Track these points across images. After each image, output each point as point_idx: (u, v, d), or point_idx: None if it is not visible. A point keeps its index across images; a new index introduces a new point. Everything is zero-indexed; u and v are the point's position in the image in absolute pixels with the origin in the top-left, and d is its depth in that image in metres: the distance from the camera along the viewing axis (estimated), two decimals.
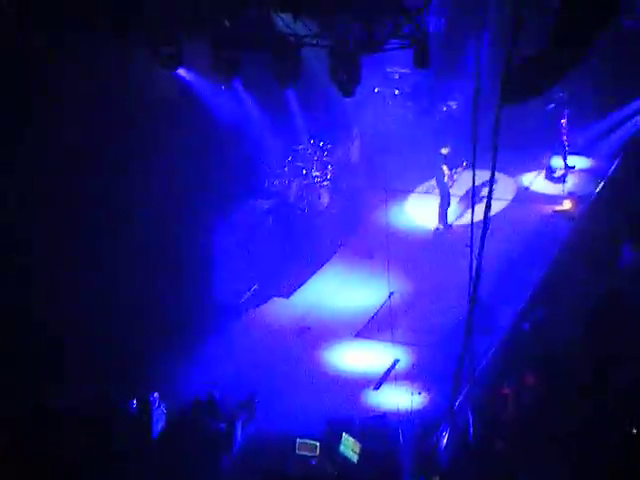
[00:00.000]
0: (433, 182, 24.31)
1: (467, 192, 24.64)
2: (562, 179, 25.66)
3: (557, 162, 26.20)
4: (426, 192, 25.46)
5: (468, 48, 25.41)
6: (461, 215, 23.84)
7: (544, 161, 26.45)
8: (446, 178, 23.76)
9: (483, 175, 24.78)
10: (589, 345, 18.37)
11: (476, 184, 24.39)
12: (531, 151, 26.61)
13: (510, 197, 24.67)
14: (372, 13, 14.75)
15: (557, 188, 25.29)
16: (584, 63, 12.51)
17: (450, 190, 23.98)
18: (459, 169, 24.02)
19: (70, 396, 16.53)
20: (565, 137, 26.20)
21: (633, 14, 27.01)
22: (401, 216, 24.38)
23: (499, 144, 13.14)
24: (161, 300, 19.10)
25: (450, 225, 23.89)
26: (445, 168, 23.73)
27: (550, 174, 26.09)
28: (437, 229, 23.92)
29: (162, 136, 19.23)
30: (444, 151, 23.90)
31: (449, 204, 23.92)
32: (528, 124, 26.69)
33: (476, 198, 24.14)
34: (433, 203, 24.48)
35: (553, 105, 26.27)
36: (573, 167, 26.12)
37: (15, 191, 16.93)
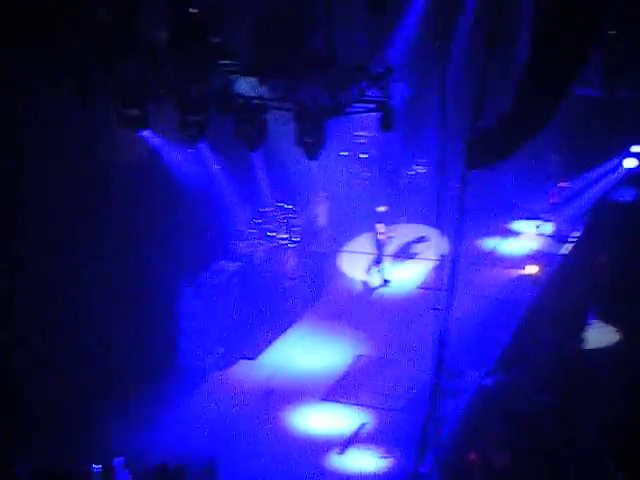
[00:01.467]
0: (363, 238, 24.61)
1: (400, 249, 25.40)
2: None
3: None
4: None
5: (434, 114, 25.69)
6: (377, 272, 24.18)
7: (509, 226, 26.83)
8: (380, 235, 24.11)
9: (418, 230, 25.60)
10: (557, 408, 18.41)
11: (410, 239, 25.38)
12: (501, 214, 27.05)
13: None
14: (337, 78, 14.92)
15: (521, 251, 25.54)
16: (545, 128, 12.66)
17: (385, 248, 24.41)
18: (396, 226, 24.52)
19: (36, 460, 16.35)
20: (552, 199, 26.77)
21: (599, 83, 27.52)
22: (368, 279, 24.45)
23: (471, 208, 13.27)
24: (126, 363, 18.97)
25: (387, 281, 24.20)
26: (380, 226, 24.16)
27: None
28: (366, 283, 24.19)
29: (128, 198, 19.23)
30: (380, 209, 24.47)
31: (380, 261, 24.30)
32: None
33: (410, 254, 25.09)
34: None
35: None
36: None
37: None
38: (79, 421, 17.64)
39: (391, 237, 24.55)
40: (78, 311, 18.49)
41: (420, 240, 25.79)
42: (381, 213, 24.45)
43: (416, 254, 25.53)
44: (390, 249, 24.94)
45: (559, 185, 26.84)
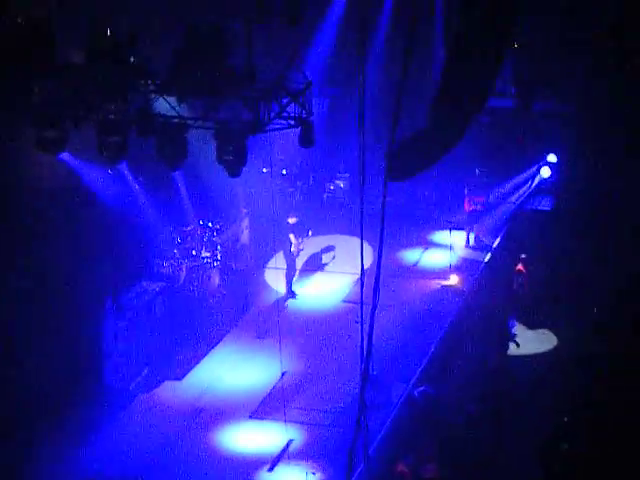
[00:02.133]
0: (280, 253, 24.70)
1: (307, 261, 25.66)
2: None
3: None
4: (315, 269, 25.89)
5: (352, 127, 25.87)
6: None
7: (428, 237, 27.09)
8: (293, 247, 24.42)
9: (324, 241, 25.28)
10: (483, 418, 18.57)
11: (317, 250, 25.59)
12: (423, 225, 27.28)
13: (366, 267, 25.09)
14: (257, 95, 14.94)
15: (443, 263, 25.74)
16: (461, 141, 12.78)
17: (296, 259, 24.71)
18: (305, 239, 24.89)
19: None
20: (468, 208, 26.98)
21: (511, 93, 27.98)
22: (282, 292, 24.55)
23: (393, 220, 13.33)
24: (50, 385, 18.72)
25: (295, 294, 24.40)
26: (292, 237, 24.42)
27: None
28: (286, 299, 24.35)
29: (47, 221, 19.03)
30: (291, 220, 24.73)
31: (294, 273, 24.60)
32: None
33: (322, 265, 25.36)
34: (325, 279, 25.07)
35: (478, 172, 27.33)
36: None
37: None
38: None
39: (301, 249, 24.75)
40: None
41: (327, 250, 26.09)
42: (292, 225, 24.63)
43: (325, 265, 25.79)
44: (300, 261, 25.16)
45: (475, 198, 27.08)
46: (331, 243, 26.45)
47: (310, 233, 25.19)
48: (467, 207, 27.26)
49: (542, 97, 27.82)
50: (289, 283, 24.50)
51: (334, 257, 26.04)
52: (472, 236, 26.79)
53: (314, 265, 25.87)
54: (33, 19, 14.62)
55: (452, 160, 13.77)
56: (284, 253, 24.48)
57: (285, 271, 24.51)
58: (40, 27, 14.68)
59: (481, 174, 27.50)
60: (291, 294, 24.37)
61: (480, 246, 26.52)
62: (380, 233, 12.63)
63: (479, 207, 27.22)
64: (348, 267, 24.71)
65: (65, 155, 18.18)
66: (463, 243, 26.65)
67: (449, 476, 17.07)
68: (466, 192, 27.31)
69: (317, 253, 26.17)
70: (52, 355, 18.98)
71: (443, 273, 25.05)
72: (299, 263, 25.07)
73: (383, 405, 19.02)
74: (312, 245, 26.01)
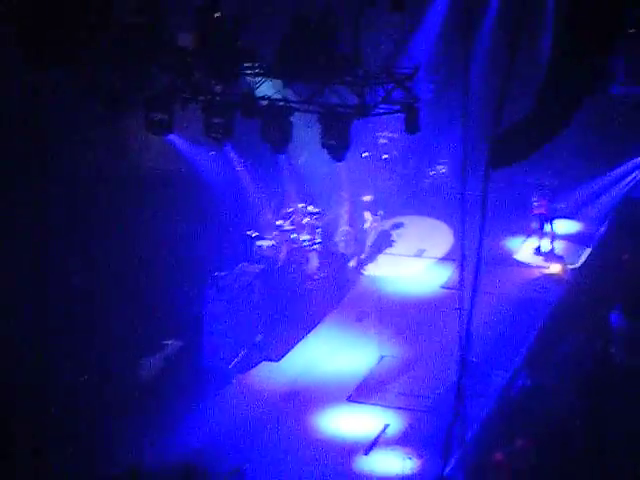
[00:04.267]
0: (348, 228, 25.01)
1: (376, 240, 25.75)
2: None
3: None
4: (415, 255, 25.80)
5: (456, 113, 25.72)
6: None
7: (532, 225, 26.66)
8: (367, 224, 24.66)
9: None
10: (583, 409, 18.33)
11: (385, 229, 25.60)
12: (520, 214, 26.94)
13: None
14: (363, 80, 14.93)
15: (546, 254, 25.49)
16: (568, 127, 12.60)
17: (368, 238, 25.06)
18: (376, 217, 25.23)
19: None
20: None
21: (620, 81, 27.35)
22: (389, 279, 24.48)
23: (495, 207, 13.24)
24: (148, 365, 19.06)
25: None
26: (368, 214, 24.67)
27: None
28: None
29: (151, 201, 19.30)
30: (366, 198, 24.96)
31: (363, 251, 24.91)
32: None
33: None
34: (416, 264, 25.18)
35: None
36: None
37: None
38: (100, 424, 17.72)
39: (374, 226, 24.81)
40: (108, 315, 18.59)
41: (396, 227, 26.22)
42: (367, 202, 24.77)
43: (393, 242, 26.07)
44: (371, 239, 25.38)
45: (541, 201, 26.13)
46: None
47: (381, 213, 25.18)
48: (536, 211, 26.28)
49: None
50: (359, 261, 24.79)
51: (401, 232, 26.15)
52: (575, 225, 26.29)
53: (384, 243, 25.89)
54: (143, 3, 14.82)
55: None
56: (358, 230, 24.78)
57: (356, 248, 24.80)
58: (150, 11, 14.87)
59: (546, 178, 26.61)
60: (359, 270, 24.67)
61: (583, 235, 26.04)
62: (481, 219, 12.57)
63: (539, 211, 26.14)
64: (435, 251, 24.81)
65: (172, 136, 18.42)
66: (563, 231, 26.23)
67: (547, 466, 16.90)
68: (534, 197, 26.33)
69: (386, 231, 26.17)
70: (152, 335, 19.30)
71: (544, 261, 24.78)
72: (370, 240, 25.37)
73: (481, 393, 18.91)
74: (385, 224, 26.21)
